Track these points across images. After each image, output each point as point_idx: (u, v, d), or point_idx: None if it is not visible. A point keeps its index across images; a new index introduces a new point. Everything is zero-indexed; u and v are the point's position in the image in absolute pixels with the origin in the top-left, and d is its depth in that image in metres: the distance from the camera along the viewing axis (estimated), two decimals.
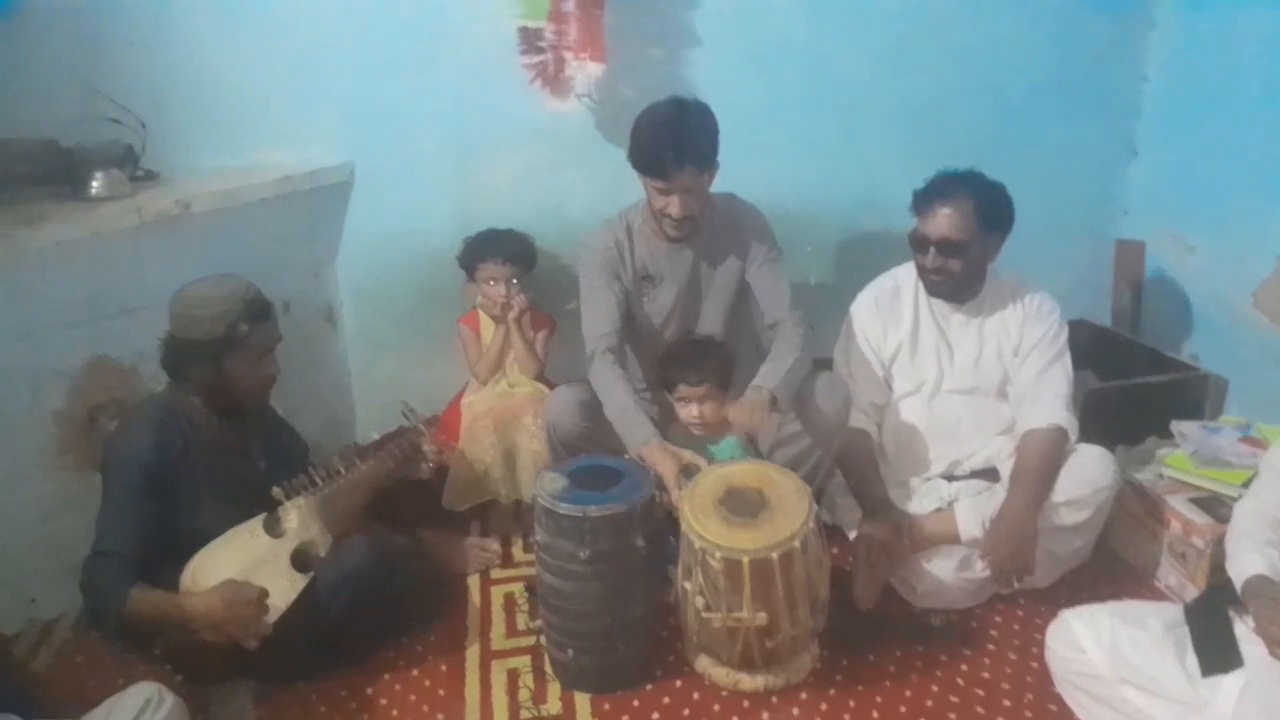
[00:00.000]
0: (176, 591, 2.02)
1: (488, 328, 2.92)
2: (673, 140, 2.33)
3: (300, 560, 2.16)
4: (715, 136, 2.40)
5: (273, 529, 2.18)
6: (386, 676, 2.29)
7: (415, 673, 2.30)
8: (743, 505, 2.11)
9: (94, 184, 2.49)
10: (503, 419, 2.75)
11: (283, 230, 2.82)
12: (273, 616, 2.05)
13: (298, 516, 2.20)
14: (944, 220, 2.41)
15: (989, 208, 2.42)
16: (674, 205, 2.39)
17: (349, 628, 2.22)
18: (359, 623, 2.23)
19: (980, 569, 2.33)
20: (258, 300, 2.19)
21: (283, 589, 2.10)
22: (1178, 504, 2.45)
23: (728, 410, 2.32)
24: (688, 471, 2.22)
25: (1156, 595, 2.45)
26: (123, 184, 2.53)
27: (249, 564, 2.09)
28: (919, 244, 2.47)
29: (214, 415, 2.22)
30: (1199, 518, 2.39)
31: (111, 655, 2.28)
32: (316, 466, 2.30)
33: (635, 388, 2.46)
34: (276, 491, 2.18)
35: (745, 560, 1.99)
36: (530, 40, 2.80)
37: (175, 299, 2.16)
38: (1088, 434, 2.45)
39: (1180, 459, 2.57)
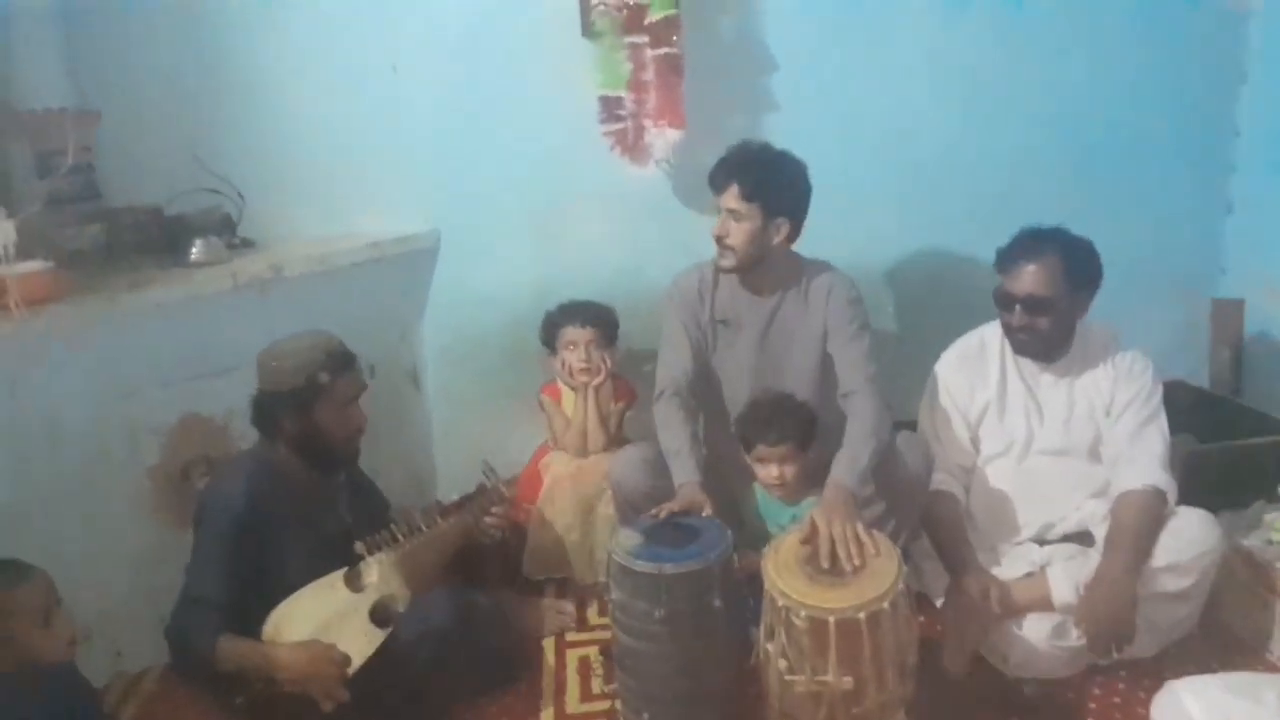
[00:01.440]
0: (259, 641, 2.05)
1: (568, 398, 2.93)
2: (731, 158, 2.44)
3: (379, 615, 2.17)
4: (783, 181, 2.43)
5: (353, 583, 2.19)
6: None
7: None
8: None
9: (194, 250, 2.61)
10: (582, 483, 2.75)
11: (370, 294, 2.91)
12: (350, 669, 2.06)
13: (379, 571, 2.21)
14: (1029, 277, 2.36)
15: (1075, 264, 2.36)
16: (717, 224, 2.44)
17: (428, 685, 2.21)
18: (438, 680, 2.22)
19: (1076, 637, 2.21)
20: (339, 351, 2.24)
21: (360, 644, 2.10)
22: None
23: (813, 515, 2.17)
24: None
25: (1269, 669, 2.30)
26: (220, 250, 2.65)
27: (329, 616, 2.11)
28: (1004, 302, 2.42)
29: (303, 468, 2.26)
30: None
31: (194, 709, 2.31)
32: (399, 523, 2.32)
33: (695, 434, 2.47)
34: (359, 546, 2.20)
35: (831, 620, 1.92)
36: (610, 109, 2.86)
37: (262, 354, 2.23)
38: (1188, 498, 2.34)
39: None
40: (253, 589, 2.11)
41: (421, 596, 2.25)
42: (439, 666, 2.20)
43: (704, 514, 2.21)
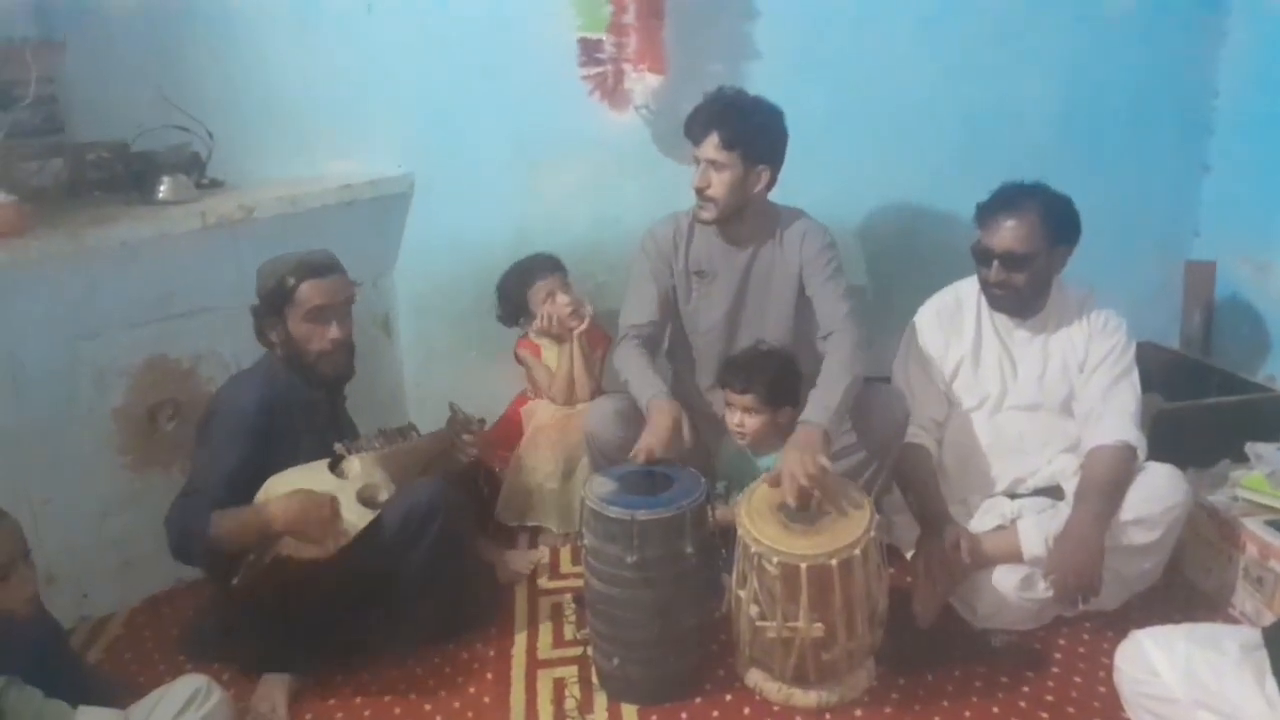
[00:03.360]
0: None
1: (548, 351, 2.90)
2: (709, 106, 2.40)
3: (365, 498, 2.20)
4: (762, 128, 2.40)
5: (337, 472, 2.22)
6: (431, 682, 2.26)
7: (460, 680, 2.27)
8: (801, 512, 2.06)
9: (161, 188, 2.54)
10: (567, 432, 2.74)
11: (342, 238, 2.81)
12: (344, 537, 2.10)
13: (360, 465, 2.23)
14: (1008, 233, 2.35)
15: (1055, 220, 2.36)
16: (697, 175, 2.41)
17: (406, 558, 2.21)
18: (418, 557, 2.21)
19: (1043, 589, 2.24)
20: (313, 260, 2.25)
21: (352, 517, 2.14)
22: (1254, 526, 2.34)
23: (785, 452, 2.18)
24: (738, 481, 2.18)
25: (1231, 621, 2.34)
26: (189, 189, 2.59)
27: (319, 489, 2.14)
28: (982, 256, 2.42)
29: (298, 381, 2.27)
30: (1277, 540, 2.28)
31: (160, 651, 2.31)
32: (378, 433, 2.35)
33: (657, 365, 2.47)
34: (339, 447, 2.24)
35: (803, 566, 1.94)
36: (590, 52, 2.82)
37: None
38: (1157, 456, 2.35)
39: (1257, 480, 2.46)
40: (253, 490, 2.13)
41: (405, 484, 2.28)
42: (420, 538, 2.21)
43: (682, 429, 2.21)
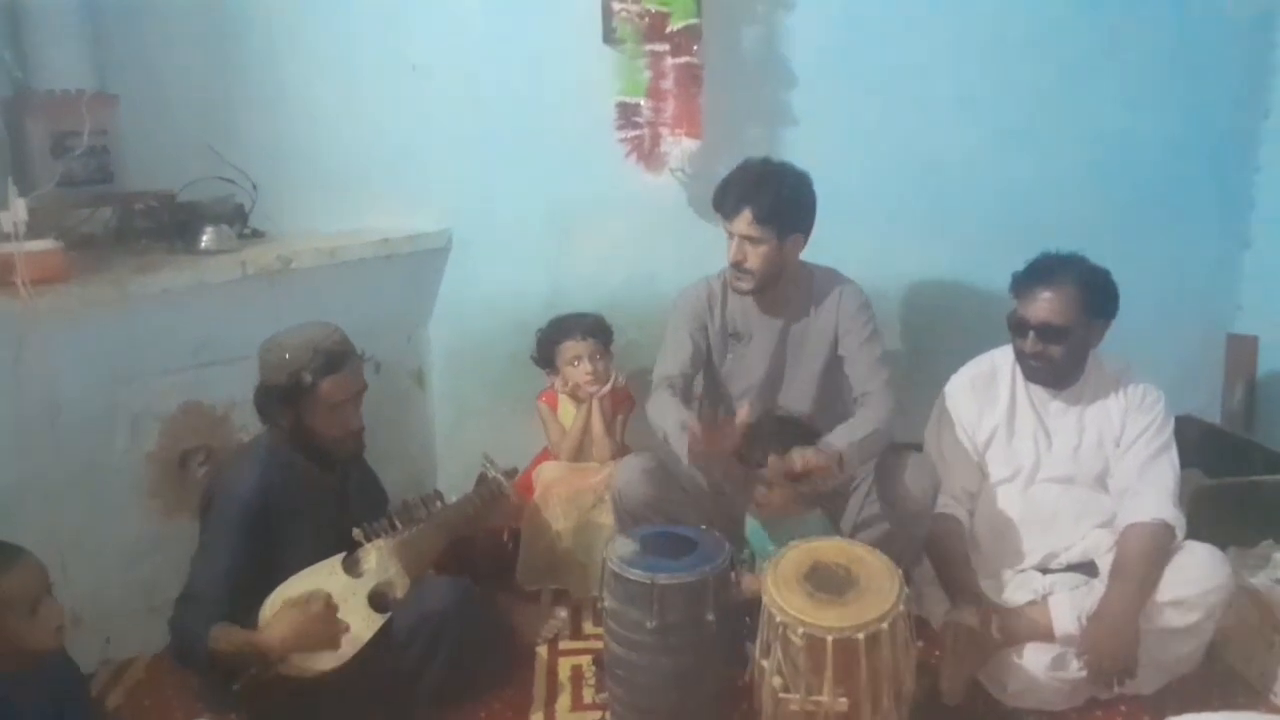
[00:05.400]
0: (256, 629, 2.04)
1: (565, 408, 2.90)
2: (739, 182, 2.41)
3: (377, 601, 2.16)
4: (793, 200, 2.41)
5: (352, 569, 2.18)
6: None
7: None
8: (829, 582, 2.02)
9: (204, 238, 2.60)
10: (575, 490, 2.73)
11: (379, 291, 2.89)
12: (350, 650, 2.05)
13: (376, 557, 2.20)
14: (1045, 304, 2.33)
15: (1092, 293, 2.34)
16: (732, 249, 2.41)
17: (424, 670, 2.20)
18: (435, 670, 2.20)
19: (1076, 668, 2.18)
20: (333, 351, 2.16)
21: (359, 626, 2.10)
22: None
23: (792, 453, 2.19)
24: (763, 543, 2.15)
25: (1272, 711, 2.25)
26: (230, 239, 2.64)
27: None
28: (1018, 327, 2.40)
29: (305, 461, 2.24)
30: None
31: (180, 698, 2.30)
32: (398, 513, 2.30)
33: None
34: (356, 533, 2.19)
35: (829, 639, 1.90)
36: (627, 115, 2.85)
37: (263, 342, 2.21)
38: (1197, 534, 2.31)
39: None
40: (259, 581, 2.09)
41: (420, 583, 2.24)
42: (436, 650, 2.19)
43: (740, 417, 2.21)
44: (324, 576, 2.14)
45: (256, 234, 2.79)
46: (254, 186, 2.77)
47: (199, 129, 2.74)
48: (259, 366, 2.20)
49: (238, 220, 2.73)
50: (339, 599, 2.11)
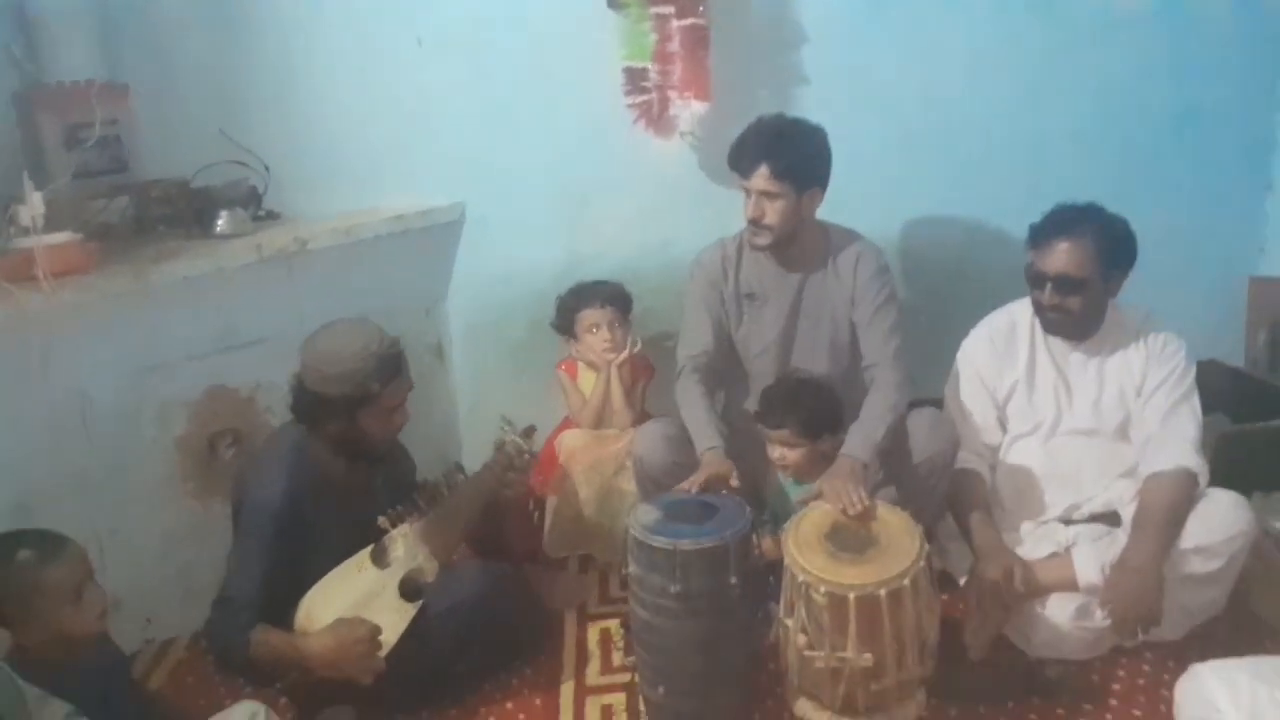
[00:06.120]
0: (293, 630, 2.07)
1: (585, 376, 2.91)
2: (754, 138, 2.40)
3: (408, 589, 2.18)
4: (810, 153, 2.41)
5: (380, 560, 2.19)
6: (482, 709, 2.28)
7: (510, 706, 2.29)
8: (849, 542, 2.05)
9: (219, 222, 2.62)
10: (599, 458, 2.75)
11: (396, 268, 2.91)
12: (384, 651, 2.08)
13: (404, 545, 2.21)
14: (1062, 256, 2.31)
15: (1110, 243, 2.31)
16: (750, 206, 2.41)
17: (458, 658, 2.24)
18: (468, 653, 2.25)
19: (1100, 618, 2.19)
20: (390, 356, 2.15)
21: (393, 621, 2.12)
22: None
23: (820, 483, 2.22)
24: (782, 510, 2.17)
25: None
26: (245, 223, 2.66)
27: (359, 598, 2.12)
28: (1035, 280, 2.38)
29: (341, 460, 2.24)
30: None
31: (221, 677, 2.35)
32: (422, 490, 2.31)
33: (716, 409, 2.49)
34: (382, 521, 2.20)
35: (851, 597, 1.92)
36: (635, 80, 2.83)
37: (308, 349, 2.14)
38: (1220, 480, 2.30)
39: None
40: (292, 577, 2.11)
41: (450, 570, 2.26)
42: (469, 638, 2.22)
43: (730, 481, 2.21)
44: (354, 573, 2.15)
45: (271, 216, 2.81)
46: (266, 169, 2.79)
47: (210, 114, 2.74)
48: (306, 374, 2.14)
49: (252, 203, 2.75)
50: (370, 596, 2.12)
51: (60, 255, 2.21)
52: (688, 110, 2.84)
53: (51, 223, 2.21)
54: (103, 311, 2.31)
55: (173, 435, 2.53)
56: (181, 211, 2.68)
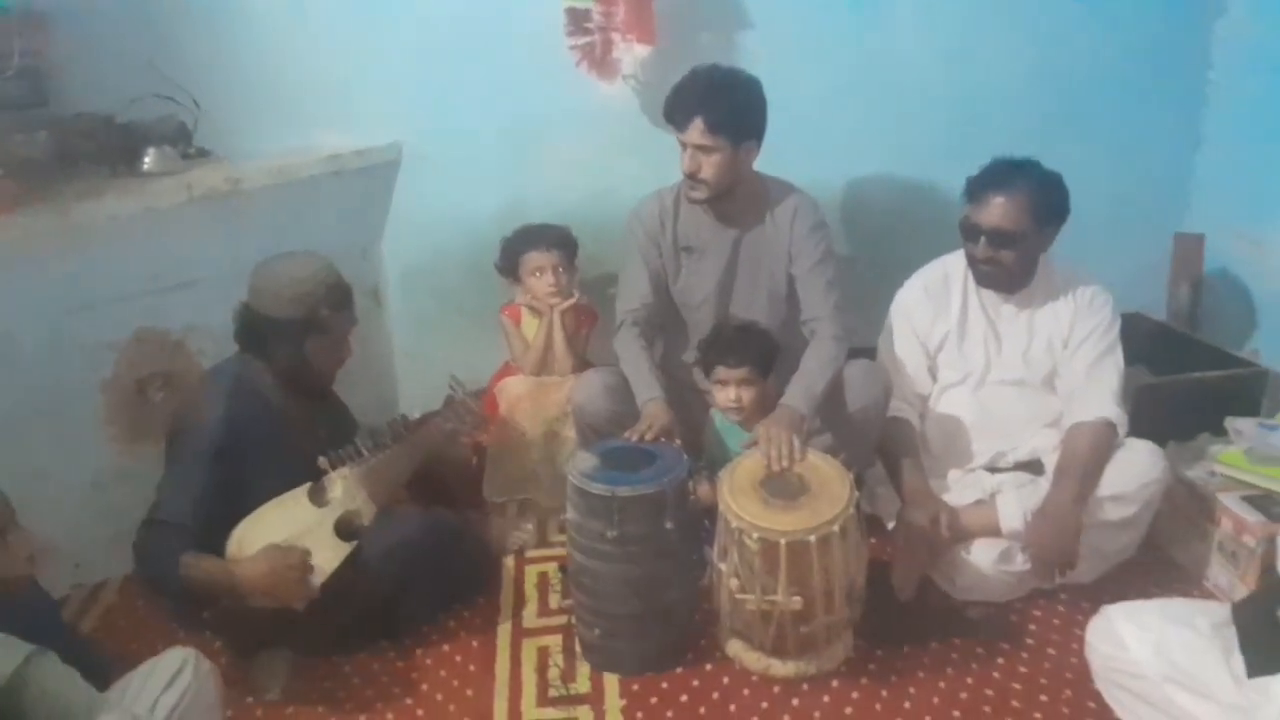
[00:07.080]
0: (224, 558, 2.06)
1: (528, 321, 2.89)
2: (688, 91, 2.38)
3: (344, 529, 2.19)
4: (745, 106, 2.40)
5: (317, 498, 2.20)
6: (419, 651, 2.31)
7: (447, 648, 2.32)
8: (782, 488, 2.09)
9: (146, 160, 2.54)
10: (541, 404, 2.75)
11: (331, 209, 2.86)
12: (317, 581, 2.09)
13: (343, 486, 2.21)
14: (997, 210, 2.35)
15: (1044, 199, 2.35)
16: (686, 160, 2.40)
17: (398, 601, 2.26)
18: (408, 595, 2.27)
19: (1021, 562, 2.28)
20: (340, 285, 2.24)
21: (326, 556, 2.13)
22: (1229, 502, 2.37)
23: (759, 428, 2.26)
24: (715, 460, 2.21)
25: (1205, 595, 2.38)
26: (174, 160, 2.58)
27: (294, 532, 2.12)
28: (970, 233, 2.42)
29: (283, 390, 2.25)
30: (1251, 516, 2.31)
31: (153, 619, 2.34)
32: (364, 438, 2.31)
33: (656, 361, 2.52)
34: (322, 461, 2.20)
35: (782, 542, 1.97)
36: (577, 22, 2.78)
37: (259, 274, 2.19)
38: (1139, 430, 2.39)
39: (1234, 456, 2.48)
40: (226, 508, 2.10)
41: (390, 513, 2.27)
42: (409, 579, 2.24)
43: (669, 434, 2.25)
44: (290, 507, 2.15)
45: (202, 153, 2.72)
46: (196, 104, 2.69)
47: (138, 48, 2.62)
48: (255, 297, 2.19)
49: (181, 140, 2.66)
50: (305, 531, 2.12)
51: None
52: (630, 53, 2.81)
53: None
54: (25, 251, 2.24)
55: (100, 378, 2.48)
56: (106, 147, 2.58)
